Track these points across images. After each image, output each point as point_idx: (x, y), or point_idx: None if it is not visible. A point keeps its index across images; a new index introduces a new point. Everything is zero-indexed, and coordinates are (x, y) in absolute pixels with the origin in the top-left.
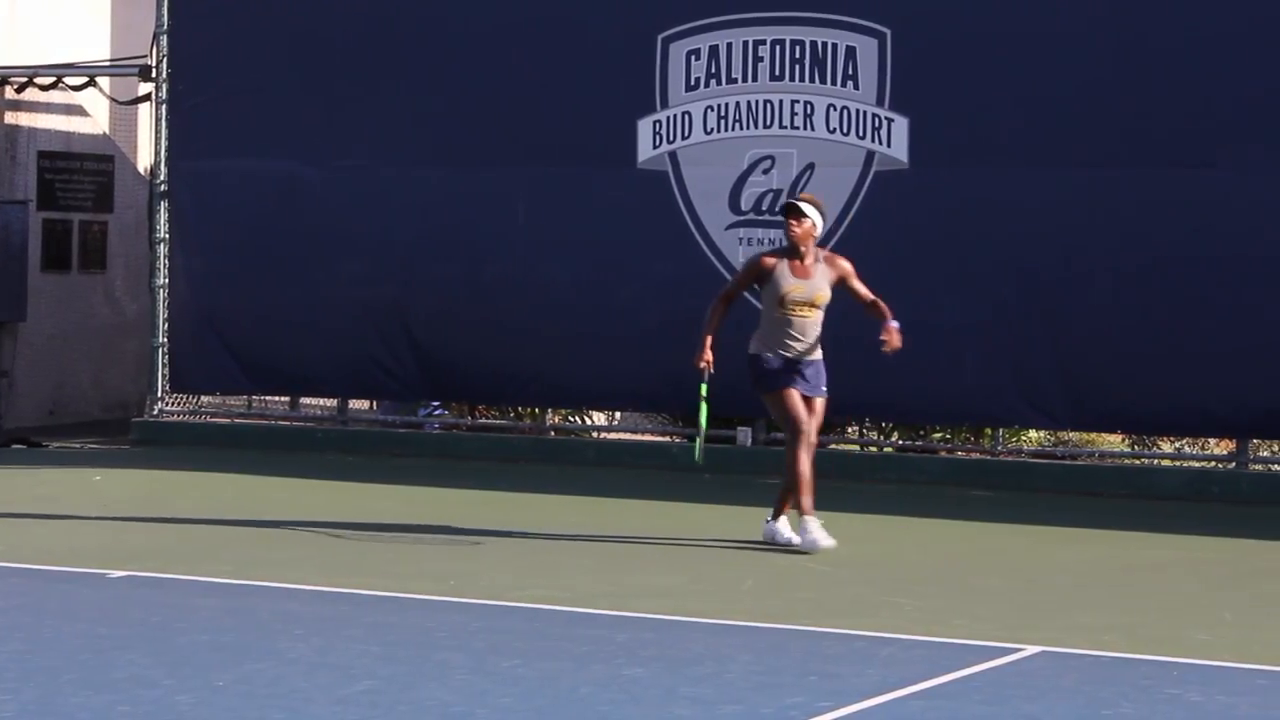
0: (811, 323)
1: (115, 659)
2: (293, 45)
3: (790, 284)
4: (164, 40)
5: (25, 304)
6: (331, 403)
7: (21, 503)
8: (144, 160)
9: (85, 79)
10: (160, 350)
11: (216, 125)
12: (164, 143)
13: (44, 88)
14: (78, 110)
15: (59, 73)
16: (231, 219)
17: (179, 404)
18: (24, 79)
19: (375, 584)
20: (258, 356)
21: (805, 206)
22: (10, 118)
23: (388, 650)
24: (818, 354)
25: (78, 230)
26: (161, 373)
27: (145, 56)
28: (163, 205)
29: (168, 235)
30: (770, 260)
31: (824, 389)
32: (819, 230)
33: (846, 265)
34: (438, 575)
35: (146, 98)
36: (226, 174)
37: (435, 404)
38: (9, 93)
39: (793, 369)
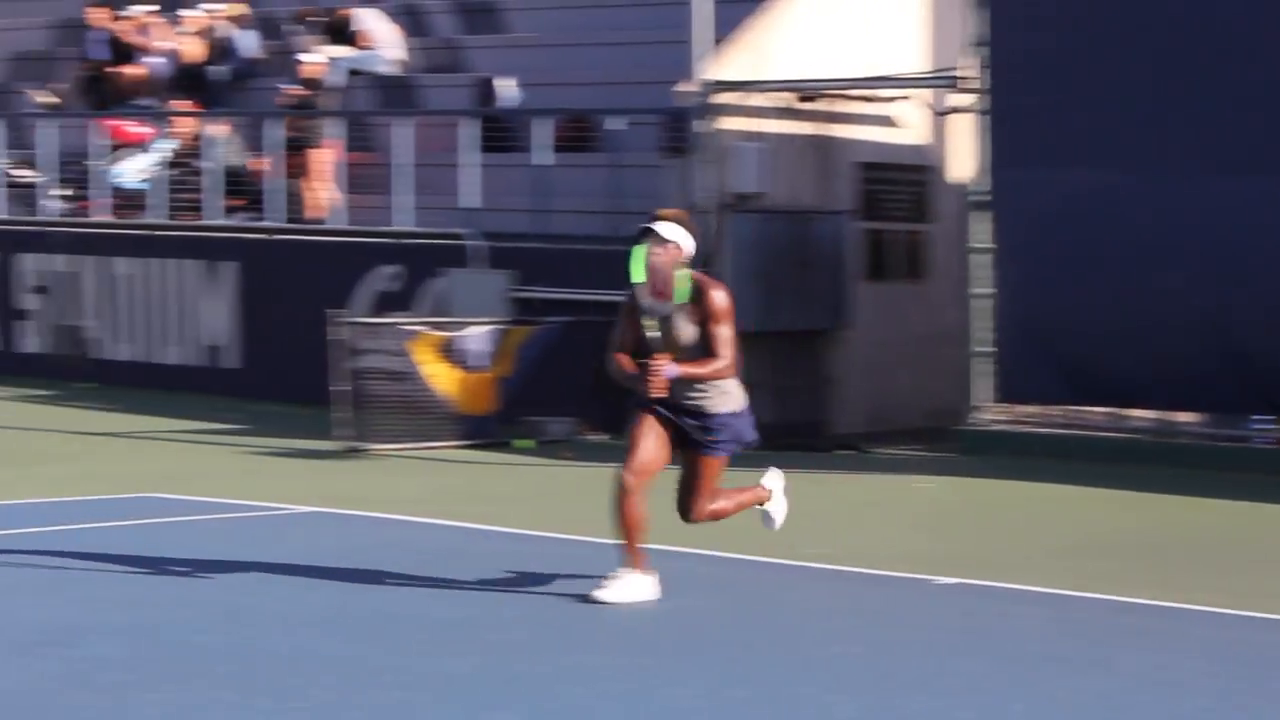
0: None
1: (948, 665)
2: (1112, 53)
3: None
4: (981, 51)
5: (849, 312)
6: (1154, 414)
7: (845, 508)
8: (958, 170)
9: (898, 91)
10: (977, 359)
11: (1037, 135)
12: (984, 153)
13: (860, 100)
14: (891, 121)
15: (871, 86)
16: (1053, 228)
17: (999, 413)
18: (837, 92)
19: (1209, 600)
20: (1079, 366)
21: (664, 228)
22: (826, 129)
23: (1221, 668)
24: (709, 402)
25: (896, 240)
26: (979, 382)
27: (955, 68)
28: (980, 215)
29: (989, 245)
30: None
31: (712, 445)
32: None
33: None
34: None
35: (963, 108)
36: (1047, 184)
37: (1265, 417)
38: (824, 105)
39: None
